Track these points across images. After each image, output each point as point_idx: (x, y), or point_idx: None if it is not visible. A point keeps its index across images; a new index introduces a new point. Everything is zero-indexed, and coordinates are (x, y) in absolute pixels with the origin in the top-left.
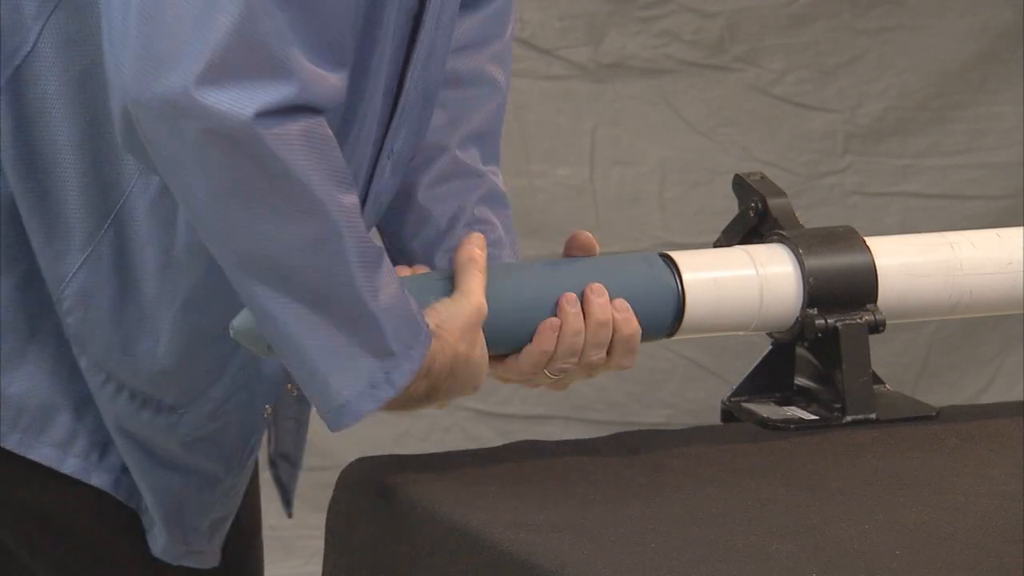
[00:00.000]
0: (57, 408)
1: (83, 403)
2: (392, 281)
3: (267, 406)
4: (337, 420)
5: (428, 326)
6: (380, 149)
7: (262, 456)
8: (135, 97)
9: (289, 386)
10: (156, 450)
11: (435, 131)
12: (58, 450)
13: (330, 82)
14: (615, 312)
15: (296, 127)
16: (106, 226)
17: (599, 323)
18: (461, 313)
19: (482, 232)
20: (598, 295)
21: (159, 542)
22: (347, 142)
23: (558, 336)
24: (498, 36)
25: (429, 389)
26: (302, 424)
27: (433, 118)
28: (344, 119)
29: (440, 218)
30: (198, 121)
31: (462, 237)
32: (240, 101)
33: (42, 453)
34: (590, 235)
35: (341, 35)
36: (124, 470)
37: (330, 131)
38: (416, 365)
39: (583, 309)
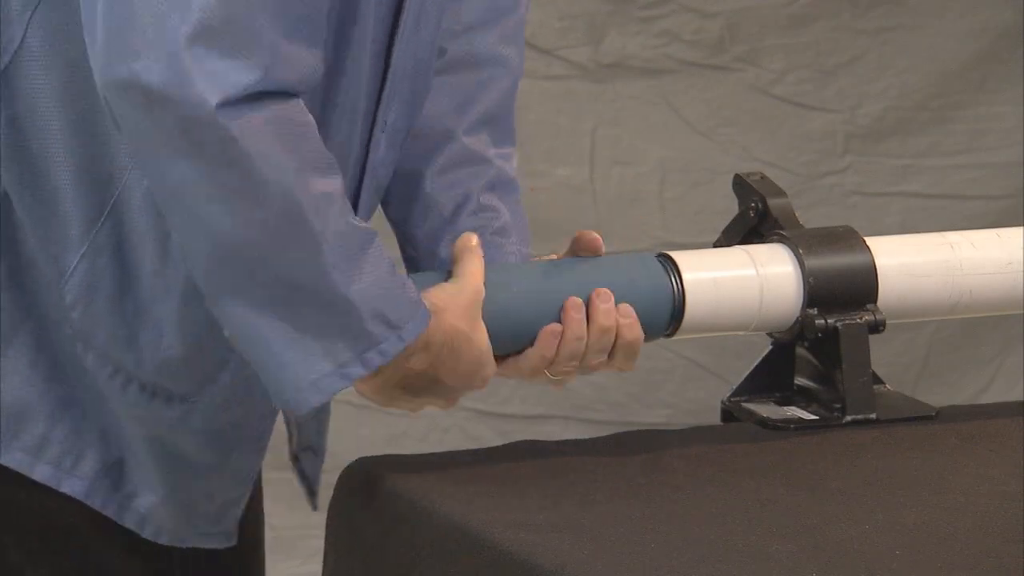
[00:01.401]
0: (30, 414)
1: (58, 410)
2: (380, 264)
3: None
4: (300, 400)
5: (425, 304)
6: (373, 122)
7: (277, 458)
8: (103, 81)
9: None
10: (168, 442)
11: (442, 117)
12: (29, 456)
13: (304, 61)
14: (620, 318)
15: (261, 116)
16: (103, 218)
17: (603, 329)
18: (460, 292)
19: (487, 219)
20: (604, 301)
21: (163, 527)
22: (332, 116)
23: (559, 342)
24: (510, 12)
25: (430, 365)
26: (324, 409)
27: (441, 103)
28: (326, 93)
29: (445, 206)
30: (162, 108)
31: (467, 225)
32: (205, 89)
33: (13, 458)
34: (596, 235)
35: (316, 9)
36: (101, 475)
37: (307, 116)
38: (410, 337)
39: (588, 314)
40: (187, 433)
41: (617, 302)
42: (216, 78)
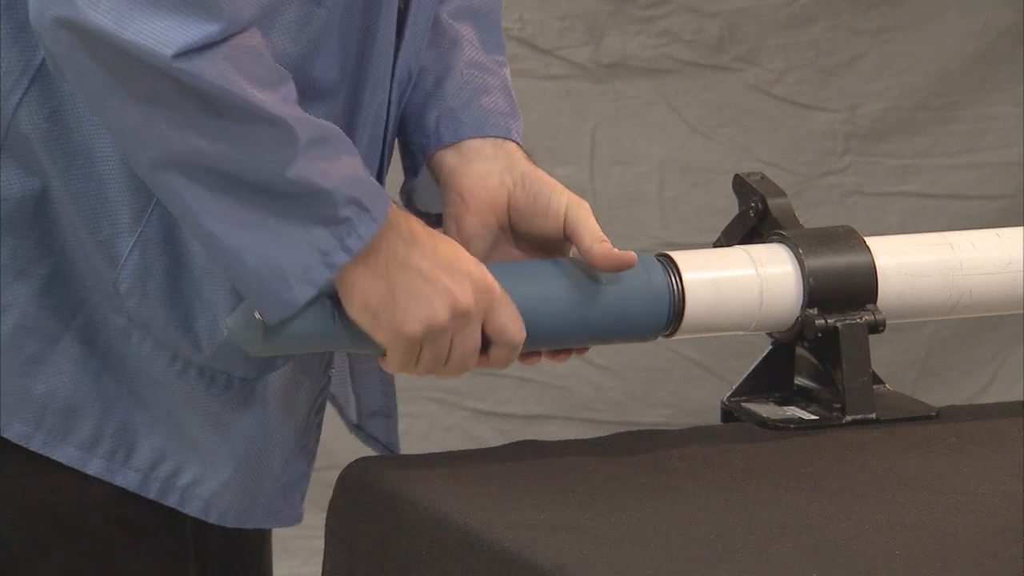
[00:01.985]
0: (83, 409)
1: (109, 404)
2: (351, 163)
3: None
4: (290, 298)
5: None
6: (393, 76)
7: (334, 434)
8: (44, 18)
9: None
10: (229, 422)
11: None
12: (82, 451)
13: None
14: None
15: (220, 55)
16: (152, 205)
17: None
18: (442, 236)
19: (476, 75)
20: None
21: (228, 509)
22: (358, 123)
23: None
24: None
25: (385, 294)
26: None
27: None
28: (352, 105)
29: (427, 78)
30: (113, 51)
31: (452, 92)
32: (161, 38)
33: (66, 454)
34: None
35: None
36: (155, 466)
37: (259, 37)
38: (381, 216)
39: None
40: (248, 413)
41: (616, 301)
42: (173, 28)
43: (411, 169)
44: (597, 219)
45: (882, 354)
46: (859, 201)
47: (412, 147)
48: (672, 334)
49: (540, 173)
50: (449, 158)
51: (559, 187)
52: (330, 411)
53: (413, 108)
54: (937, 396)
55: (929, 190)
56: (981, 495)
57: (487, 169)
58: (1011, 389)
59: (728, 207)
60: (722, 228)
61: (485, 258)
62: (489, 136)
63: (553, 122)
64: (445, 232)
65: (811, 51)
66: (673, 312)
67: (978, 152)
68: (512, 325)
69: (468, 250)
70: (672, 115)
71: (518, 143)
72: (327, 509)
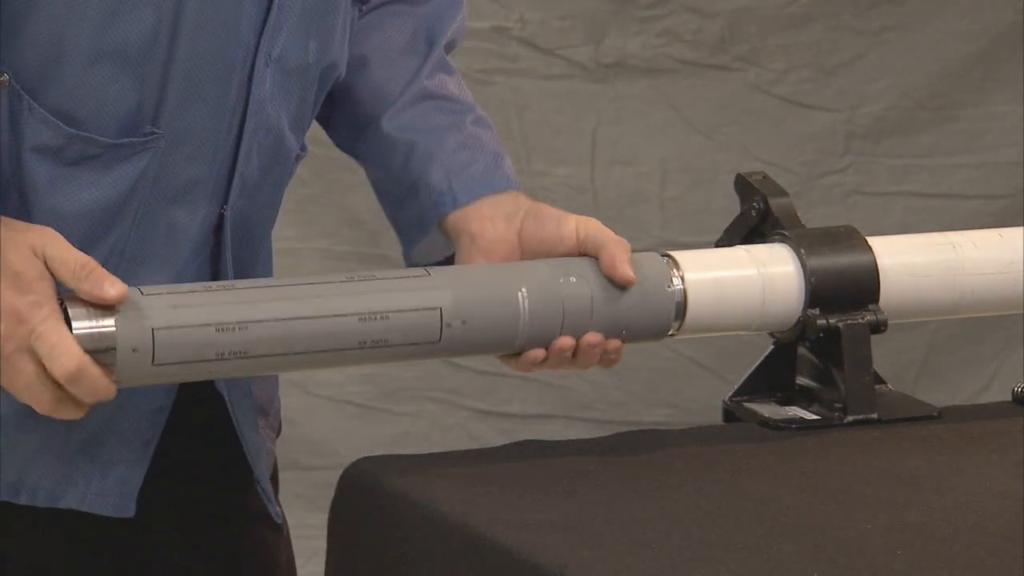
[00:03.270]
0: None
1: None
2: None
3: None
4: None
5: None
6: (255, 55)
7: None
8: None
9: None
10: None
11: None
12: None
13: None
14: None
15: None
16: None
17: (577, 364)
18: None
19: (474, 132)
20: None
21: (39, 485)
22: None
23: (540, 365)
24: None
25: None
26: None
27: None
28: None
29: (393, 90)
30: None
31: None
32: None
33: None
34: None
35: None
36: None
37: None
38: None
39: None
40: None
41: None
42: None
43: (418, 228)
44: (597, 218)
45: (882, 353)
46: (859, 201)
47: (418, 209)
48: (674, 334)
49: (545, 206)
50: (454, 215)
51: (564, 213)
52: (330, 408)
53: (410, 173)
54: (937, 396)
55: (929, 190)
56: (982, 495)
57: (494, 212)
58: (1011, 389)
59: (729, 206)
60: (723, 227)
61: None
62: (499, 191)
63: (554, 122)
64: None
65: (812, 51)
66: (675, 312)
67: (978, 152)
68: (56, 359)
69: None
70: (673, 115)
71: (519, 189)
72: (328, 509)
